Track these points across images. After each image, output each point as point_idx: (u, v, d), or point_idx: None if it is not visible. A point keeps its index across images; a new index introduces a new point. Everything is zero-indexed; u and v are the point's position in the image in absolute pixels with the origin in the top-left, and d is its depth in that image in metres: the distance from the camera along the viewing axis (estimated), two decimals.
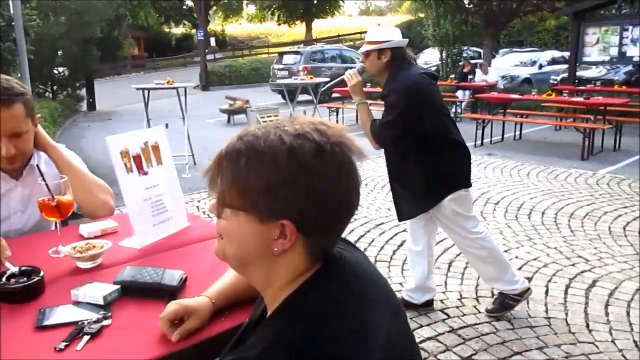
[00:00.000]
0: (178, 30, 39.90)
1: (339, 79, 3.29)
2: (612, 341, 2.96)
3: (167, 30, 39.01)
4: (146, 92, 7.61)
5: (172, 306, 1.13)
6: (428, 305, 3.35)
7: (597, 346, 2.92)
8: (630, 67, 13.77)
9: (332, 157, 0.81)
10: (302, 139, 0.81)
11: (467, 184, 3.07)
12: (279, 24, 40.46)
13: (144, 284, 1.28)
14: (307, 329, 0.78)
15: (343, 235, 0.92)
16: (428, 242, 3.27)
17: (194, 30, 33.74)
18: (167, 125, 8.28)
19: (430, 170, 2.96)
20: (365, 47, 2.98)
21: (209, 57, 26.97)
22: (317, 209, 0.81)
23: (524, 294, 3.18)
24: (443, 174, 2.99)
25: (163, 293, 1.26)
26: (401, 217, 3.18)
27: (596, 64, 12.78)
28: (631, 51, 10.96)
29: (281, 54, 18.78)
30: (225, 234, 0.88)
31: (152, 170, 1.64)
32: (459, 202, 3.02)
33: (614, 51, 11.22)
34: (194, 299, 1.17)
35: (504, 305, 3.19)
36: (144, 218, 1.60)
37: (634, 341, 2.95)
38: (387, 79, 2.99)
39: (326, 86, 3.72)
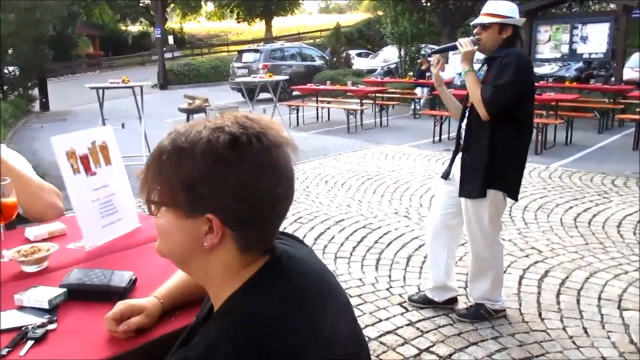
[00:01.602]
0: (135, 28, 39.06)
1: (451, 44, 3.14)
2: (563, 329, 3.07)
3: (123, 28, 38.11)
4: (101, 91, 7.45)
5: (119, 306, 1.12)
6: (450, 303, 3.30)
7: (549, 334, 3.01)
8: (580, 64, 14.26)
9: (249, 148, 0.81)
10: (219, 131, 0.81)
11: (516, 195, 3.03)
12: (239, 22, 40.14)
13: (91, 287, 1.26)
14: (250, 327, 0.78)
15: (303, 232, 0.93)
16: (448, 245, 3.21)
17: (151, 28, 33.07)
18: (123, 125, 8.11)
19: (513, 163, 2.95)
20: (487, 19, 2.86)
21: (167, 55, 26.53)
22: (238, 201, 0.81)
23: (500, 312, 3.17)
24: (512, 170, 2.97)
25: (111, 295, 1.23)
26: (466, 194, 2.99)
27: (548, 60, 13.19)
28: (581, 48, 11.35)
29: (241, 52, 18.66)
30: (159, 231, 0.89)
31: (101, 170, 1.61)
32: (498, 207, 2.98)
33: (565, 49, 11.59)
34: (142, 299, 1.16)
35: (477, 315, 3.14)
36: (93, 220, 1.57)
37: (584, 328, 3.06)
38: (497, 49, 2.89)
39: (437, 49, 3.66)
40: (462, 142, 3.06)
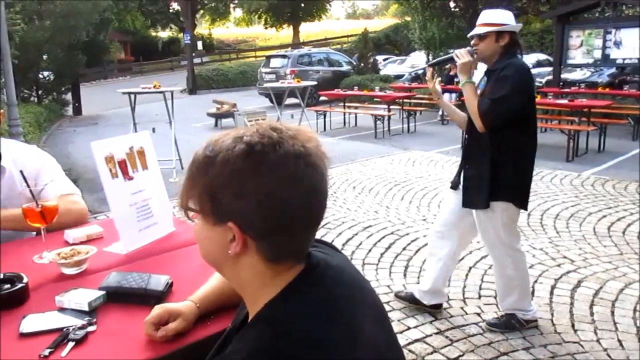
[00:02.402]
0: (165, 34, 39.73)
1: (447, 56, 3.17)
2: (597, 341, 3.00)
3: (153, 34, 38.82)
4: (133, 96, 7.58)
5: (157, 310, 1.13)
6: (435, 308, 3.33)
7: (582, 346, 2.95)
8: (613, 70, 13.97)
9: (263, 158, 0.80)
10: (237, 141, 0.82)
11: (525, 204, 3.00)
12: (266, 28, 40.46)
13: (129, 290, 1.28)
14: (287, 335, 0.79)
15: (331, 238, 0.93)
16: (455, 252, 3.22)
17: (180, 34, 33.57)
18: (153, 130, 8.28)
19: (517, 169, 2.90)
20: (483, 29, 2.89)
21: (196, 60, 26.90)
22: (256, 211, 0.81)
23: (532, 322, 3.11)
24: (519, 180, 2.93)
25: (149, 298, 1.26)
26: (469, 204, 3.01)
27: (580, 66, 12.96)
28: (614, 54, 11.10)
29: (268, 58, 18.81)
30: (195, 236, 0.92)
31: (138, 175, 1.64)
32: (512, 216, 2.96)
33: (597, 54, 11.36)
34: (179, 303, 1.17)
35: (508, 325, 3.10)
36: (130, 223, 1.60)
37: (619, 340, 2.99)
38: (497, 60, 2.89)
39: (433, 61, 3.75)
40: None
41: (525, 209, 3.02)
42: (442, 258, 3.22)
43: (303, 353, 0.77)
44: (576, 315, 3.28)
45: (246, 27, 45.46)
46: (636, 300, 3.43)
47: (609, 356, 2.84)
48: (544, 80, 14.43)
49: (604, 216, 5.15)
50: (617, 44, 11.07)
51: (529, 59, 17.90)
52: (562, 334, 3.08)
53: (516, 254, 3.04)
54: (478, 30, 2.91)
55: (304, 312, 0.82)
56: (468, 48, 2.97)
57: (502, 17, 2.89)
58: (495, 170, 2.86)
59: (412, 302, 3.36)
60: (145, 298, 1.26)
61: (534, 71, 15.34)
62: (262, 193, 0.80)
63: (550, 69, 14.47)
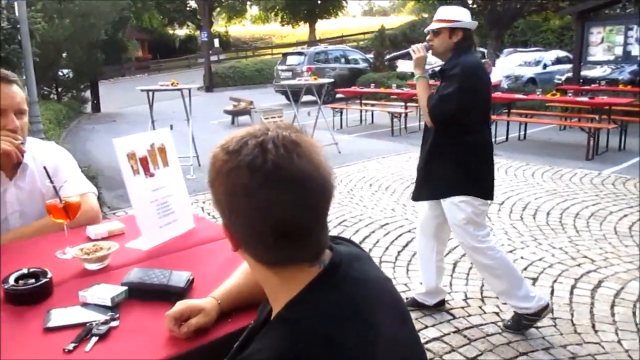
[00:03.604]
0: (182, 32, 40.01)
1: (404, 51, 3.22)
2: (619, 341, 2.95)
3: (171, 32, 39.10)
4: (151, 93, 7.64)
5: (179, 305, 1.14)
6: (440, 305, 3.36)
7: (603, 347, 2.91)
8: (635, 67, 13.72)
9: (221, 166, 0.81)
10: (222, 144, 0.84)
11: (489, 196, 3.02)
12: (283, 25, 40.49)
13: (151, 286, 1.29)
14: (307, 338, 0.79)
15: (347, 236, 0.92)
16: (437, 247, 3.25)
17: (197, 32, 33.75)
18: (171, 127, 8.32)
19: (465, 164, 2.93)
20: (436, 25, 2.95)
21: (213, 58, 27.02)
22: (229, 218, 0.83)
23: (542, 312, 3.02)
24: (474, 174, 2.96)
25: (170, 294, 1.26)
26: (416, 197, 3.25)
27: (601, 63, 12.75)
28: (636, 50, 10.92)
29: (285, 55, 18.82)
30: None
31: (159, 172, 1.65)
32: (475, 210, 2.96)
33: (618, 50, 11.18)
34: (200, 299, 1.18)
35: (520, 325, 3.07)
36: (151, 220, 1.61)
37: None
38: (450, 58, 2.95)
39: (390, 56, 3.83)
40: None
41: (486, 199, 3.01)
42: (427, 256, 3.27)
43: (322, 355, 0.77)
44: (597, 315, 3.24)
45: (262, 25, 45.55)
46: None
47: (631, 357, 2.80)
48: (563, 78, 14.26)
49: (625, 215, 5.07)
50: (639, 41, 10.89)
51: (548, 55, 17.70)
52: (583, 334, 3.04)
53: (485, 245, 3.01)
54: (432, 26, 2.99)
55: (324, 314, 0.82)
56: (425, 43, 3.05)
57: (456, 14, 2.95)
58: (443, 165, 2.97)
59: (417, 306, 3.35)
60: (167, 294, 1.27)
61: (552, 68, 15.17)
62: (223, 201, 0.82)
63: (570, 66, 14.29)
